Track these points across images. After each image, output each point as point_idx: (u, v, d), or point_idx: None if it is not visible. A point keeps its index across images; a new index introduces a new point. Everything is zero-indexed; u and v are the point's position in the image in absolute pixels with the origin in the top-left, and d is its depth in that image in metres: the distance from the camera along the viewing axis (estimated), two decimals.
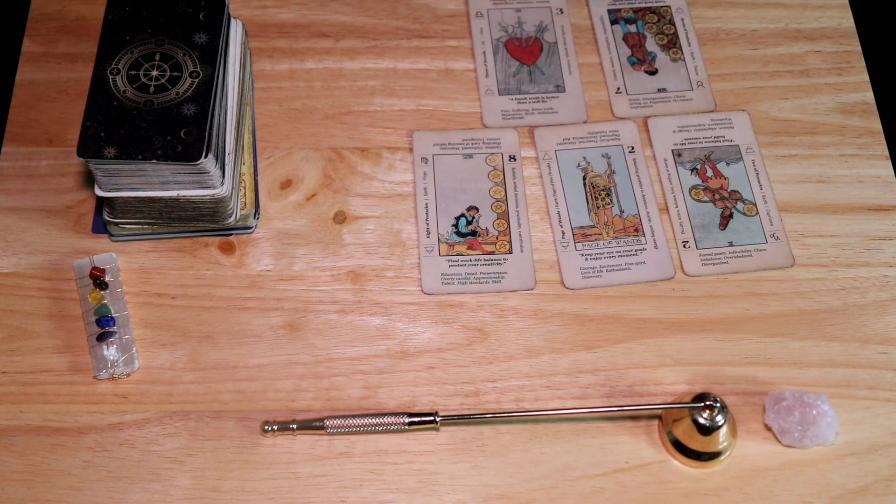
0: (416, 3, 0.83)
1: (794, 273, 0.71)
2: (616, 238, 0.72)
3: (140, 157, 0.62)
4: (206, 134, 0.64)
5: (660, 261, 0.71)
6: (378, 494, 0.63)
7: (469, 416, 0.65)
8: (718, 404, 0.62)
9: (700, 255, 0.72)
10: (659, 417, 0.66)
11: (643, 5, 0.83)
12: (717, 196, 0.74)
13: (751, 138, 0.77)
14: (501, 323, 0.69)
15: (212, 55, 0.66)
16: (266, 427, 0.64)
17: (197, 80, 0.65)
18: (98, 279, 0.68)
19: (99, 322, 0.67)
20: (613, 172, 0.75)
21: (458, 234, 0.72)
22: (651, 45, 0.81)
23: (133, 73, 0.65)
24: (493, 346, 0.68)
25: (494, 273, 0.71)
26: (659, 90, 0.79)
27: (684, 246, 0.72)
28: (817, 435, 0.64)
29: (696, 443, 0.63)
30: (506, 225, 0.73)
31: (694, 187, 0.75)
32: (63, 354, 0.67)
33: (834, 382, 0.67)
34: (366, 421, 0.64)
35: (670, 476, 0.64)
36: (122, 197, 0.66)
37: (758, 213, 0.73)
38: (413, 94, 0.78)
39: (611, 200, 0.74)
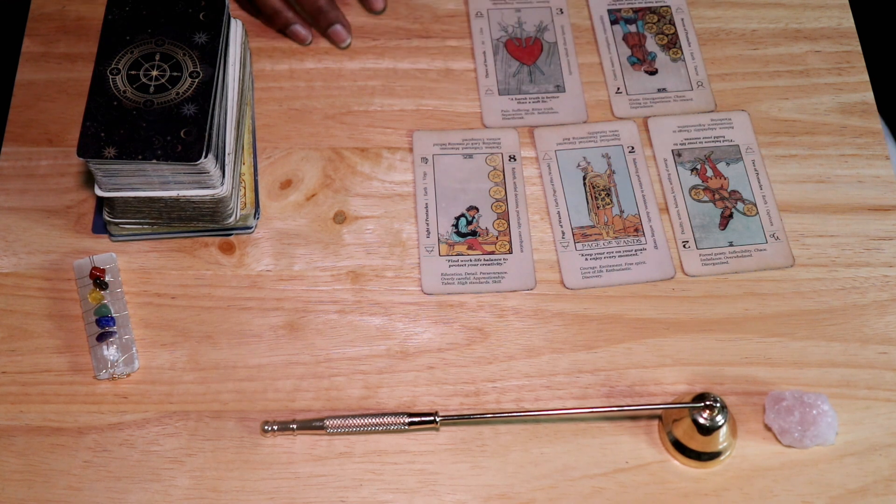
0: (416, 3, 0.83)
1: (794, 273, 0.71)
2: (616, 238, 0.72)
3: (140, 157, 0.62)
4: (206, 134, 0.64)
5: (660, 261, 0.71)
6: (378, 494, 0.63)
7: (469, 417, 0.65)
8: (718, 404, 0.62)
9: (700, 255, 0.72)
10: (659, 417, 0.66)
11: (643, 5, 0.83)
12: (717, 196, 0.74)
13: (751, 138, 0.77)
14: (501, 323, 0.69)
15: (212, 55, 0.66)
16: (266, 427, 0.64)
17: (197, 80, 0.65)
18: (98, 279, 0.68)
19: (99, 322, 0.67)
20: (613, 172, 0.75)
21: (458, 234, 0.72)
22: (651, 45, 0.81)
23: (133, 73, 0.65)
24: (493, 346, 0.68)
25: (494, 273, 0.71)
26: (659, 90, 0.79)
27: (684, 246, 0.72)
28: (817, 435, 0.64)
29: (696, 443, 0.63)
30: (506, 225, 0.73)
31: (694, 187, 0.75)
32: (63, 354, 0.67)
33: (834, 382, 0.67)
34: (366, 421, 0.64)
35: (670, 476, 0.64)
36: (122, 197, 0.66)
37: (758, 213, 0.73)
38: (413, 94, 0.78)
39: (611, 200, 0.74)
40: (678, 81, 0.79)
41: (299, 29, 0.79)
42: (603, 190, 0.74)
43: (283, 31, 0.80)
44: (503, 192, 0.74)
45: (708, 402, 0.62)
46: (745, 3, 0.83)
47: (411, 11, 0.82)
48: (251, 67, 0.77)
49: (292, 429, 0.64)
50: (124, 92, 0.65)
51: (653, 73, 0.80)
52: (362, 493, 0.63)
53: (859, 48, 0.81)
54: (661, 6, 0.83)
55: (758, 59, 0.80)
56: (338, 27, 0.79)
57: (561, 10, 0.83)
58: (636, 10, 0.83)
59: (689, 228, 0.73)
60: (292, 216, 0.73)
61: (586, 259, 0.71)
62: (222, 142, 0.67)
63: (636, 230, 0.73)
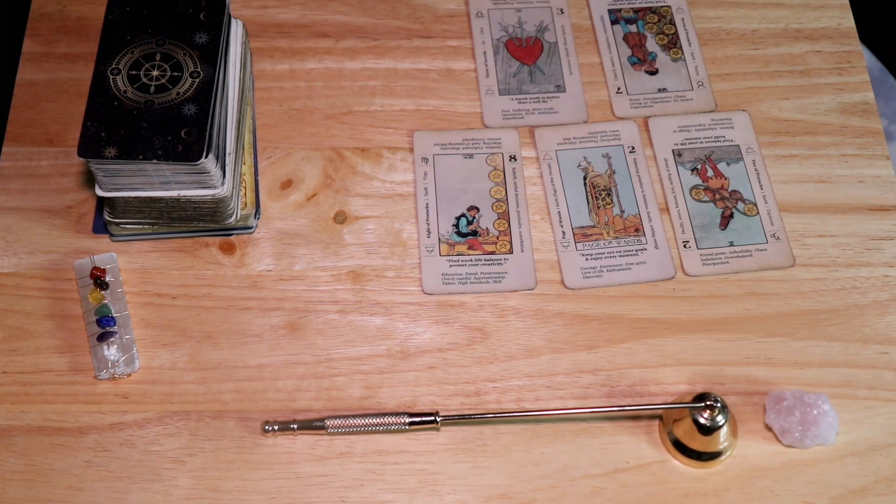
0: (417, 3, 0.83)
1: (795, 273, 0.71)
2: (616, 238, 0.72)
3: (140, 157, 0.62)
4: (207, 134, 0.64)
5: (660, 261, 0.71)
6: (379, 494, 0.63)
7: (470, 416, 0.65)
8: (719, 404, 0.62)
9: (700, 254, 0.72)
10: (659, 417, 0.66)
11: (643, 5, 0.83)
12: (717, 196, 0.74)
13: (751, 138, 0.77)
14: (502, 323, 0.69)
15: (212, 55, 0.66)
16: (267, 427, 0.64)
17: (197, 80, 0.65)
18: (99, 279, 0.68)
19: (99, 322, 0.67)
20: (614, 172, 0.75)
21: (459, 234, 0.72)
22: (651, 45, 0.81)
23: (133, 73, 0.65)
24: (494, 346, 0.68)
25: (495, 273, 0.71)
26: (659, 90, 0.79)
27: (685, 246, 0.72)
28: (818, 435, 0.64)
29: (697, 443, 0.63)
30: (506, 225, 0.73)
31: (694, 187, 0.75)
32: (64, 354, 0.67)
33: (834, 382, 0.67)
34: (366, 421, 0.64)
35: (671, 476, 0.64)
36: (122, 197, 0.66)
37: (758, 213, 0.73)
38: (413, 94, 0.78)
39: (611, 200, 0.74)
40: (678, 81, 0.79)
41: None
42: (603, 190, 0.74)
43: None
44: (504, 192, 0.74)
45: (708, 402, 0.62)
46: (746, 3, 0.83)
47: (412, 11, 0.82)
48: (252, 67, 0.77)
49: (293, 429, 0.64)
50: (125, 92, 0.65)
51: (653, 73, 0.80)
52: (363, 492, 0.63)
53: (860, 48, 0.81)
54: (662, 6, 0.83)
55: (758, 59, 0.80)
56: None
57: (561, 10, 0.83)
58: (636, 10, 0.83)
59: (689, 228, 0.73)
60: (293, 216, 0.73)
61: (587, 259, 0.71)
62: (223, 142, 0.67)
63: (637, 230, 0.73)
